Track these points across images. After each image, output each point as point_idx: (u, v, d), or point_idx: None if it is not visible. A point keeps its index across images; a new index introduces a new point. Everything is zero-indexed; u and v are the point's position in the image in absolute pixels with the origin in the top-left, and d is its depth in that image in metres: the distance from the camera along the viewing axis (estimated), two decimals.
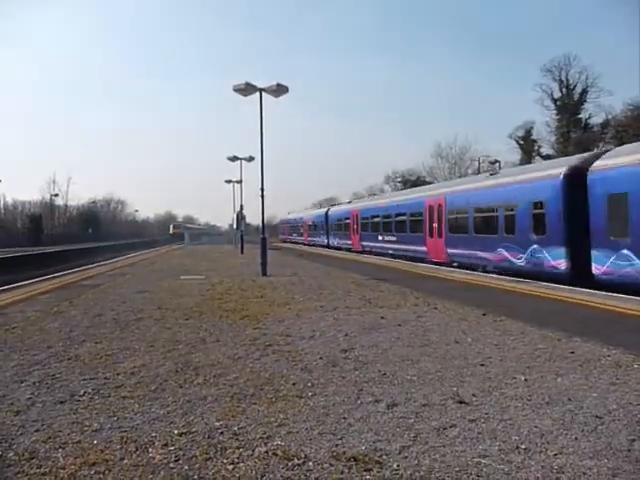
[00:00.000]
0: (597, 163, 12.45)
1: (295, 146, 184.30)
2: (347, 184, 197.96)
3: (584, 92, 49.01)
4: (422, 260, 20.97)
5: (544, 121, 52.02)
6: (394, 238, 25.25)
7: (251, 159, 29.75)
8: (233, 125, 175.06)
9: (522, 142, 53.95)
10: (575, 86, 49.51)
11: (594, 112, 48.66)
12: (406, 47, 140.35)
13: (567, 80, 49.59)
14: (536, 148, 53.96)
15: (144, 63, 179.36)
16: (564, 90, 49.81)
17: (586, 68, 48.64)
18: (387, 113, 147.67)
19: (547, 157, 52.48)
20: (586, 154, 15.97)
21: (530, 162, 53.39)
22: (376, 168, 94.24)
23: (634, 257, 10.83)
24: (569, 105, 49.05)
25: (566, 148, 47.62)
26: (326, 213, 40.22)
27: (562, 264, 13.08)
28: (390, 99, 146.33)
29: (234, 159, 31.21)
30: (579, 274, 12.40)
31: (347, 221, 33.34)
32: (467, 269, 17.02)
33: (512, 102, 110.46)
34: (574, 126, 48.90)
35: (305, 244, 45.64)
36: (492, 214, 16.55)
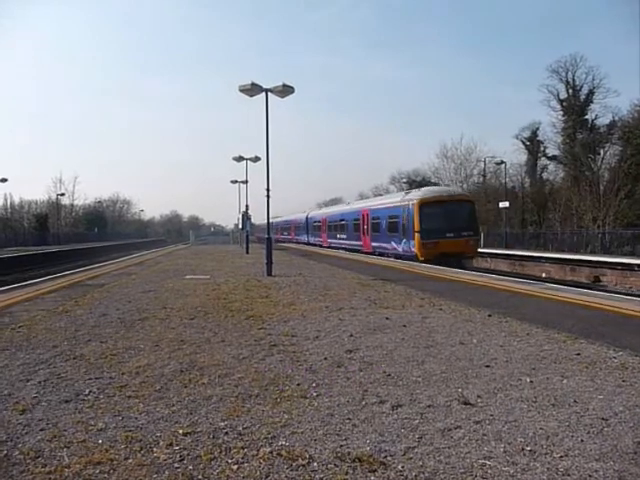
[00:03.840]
0: (310, 214, 49.09)
1: (300, 145, 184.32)
2: (354, 183, 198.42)
3: (590, 93, 48.72)
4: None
5: (550, 122, 51.87)
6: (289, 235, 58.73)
7: (257, 159, 29.76)
8: (239, 124, 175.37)
9: (528, 143, 53.77)
10: (581, 87, 49.26)
11: (600, 113, 48.44)
12: (410, 46, 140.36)
13: (573, 81, 49.34)
14: (542, 149, 53.82)
15: (148, 62, 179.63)
16: (570, 91, 49.54)
17: (592, 69, 48.41)
18: (392, 113, 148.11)
19: (553, 158, 52.47)
20: (309, 210, 54.53)
21: (536, 163, 53.53)
22: (382, 168, 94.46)
23: (315, 237, 44.22)
24: (575, 106, 48.77)
25: (572, 149, 47.45)
26: (270, 222, 69.39)
27: (305, 239, 47.50)
28: (395, 99, 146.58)
29: (240, 159, 31.25)
30: (308, 242, 45.71)
31: (277, 226, 60.17)
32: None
33: (518, 103, 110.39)
34: (580, 127, 48.62)
35: None
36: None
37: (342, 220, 35.71)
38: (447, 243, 22.43)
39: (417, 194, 24.88)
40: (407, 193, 27.19)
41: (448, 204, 23.47)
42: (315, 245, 42.68)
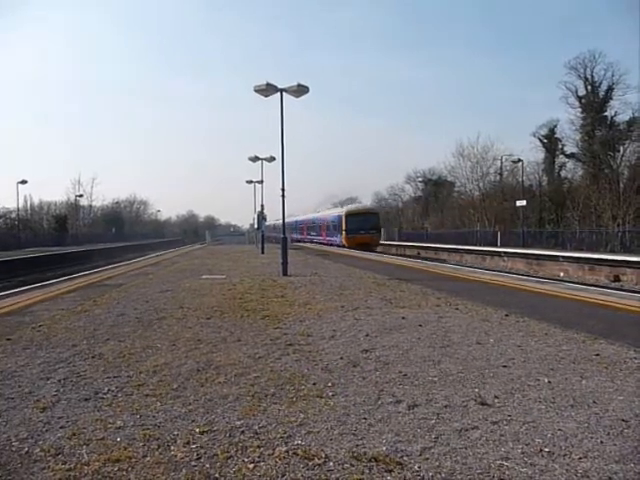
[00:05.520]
0: (298, 218, 63.28)
1: (317, 145, 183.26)
2: (370, 182, 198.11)
3: (610, 89, 47.87)
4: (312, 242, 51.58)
5: (568, 119, 51.13)
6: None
7: (272, 159, 29.84)
8: (256, 125, 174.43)
9: (545, 141, 53.12)
10: (600, 83, 48.42)
11: (620, 109, 47.55)
12: (425, 46, 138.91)
13: (592, 77, 48.57)
14: (560, 147, 53.10)
15: (170, 63, 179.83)
16: (589, 87, 48.76)
17: (612, 65, 47.63)
18: (408, 112, 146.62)
19: (571, 155, 51.77)
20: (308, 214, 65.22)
21: (554, 161, 52.91)
22: (398, 167, 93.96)
23: (300, 235, 58.48)
24: (594, 103, 48.01)
25: (591, 146, 46.76)
26: (272, 224, 70.73)
27: (295, 237, 55.03)
28: (410, 98, 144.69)
29: (255, 159, 31.35)
30: (297, 240, 54.19)
31: (276, 228, 61.46)
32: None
33: (534, 101, 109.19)
34: (599, 124, 47.86)
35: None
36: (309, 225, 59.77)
37: (314, 223, 55.09)
38: (361, 237, 40.08)
39: (346, 208, 45.72)
40: (342, 207, 48.69)
41: (362, 214, 42.59)
42: (299, 241, 55.80)
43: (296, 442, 3.45)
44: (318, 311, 8.79)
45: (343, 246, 40.04)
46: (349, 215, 42.15)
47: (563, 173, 53.74)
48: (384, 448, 3.34)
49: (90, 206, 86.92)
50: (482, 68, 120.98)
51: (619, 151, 45.73)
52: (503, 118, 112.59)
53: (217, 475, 3.02)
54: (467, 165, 57.27)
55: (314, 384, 4.71)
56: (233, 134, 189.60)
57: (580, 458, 3.16)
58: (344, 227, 41.46)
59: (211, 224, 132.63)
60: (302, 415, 3.94)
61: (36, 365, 5.49)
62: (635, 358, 5.46)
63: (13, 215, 60.28)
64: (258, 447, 3.38)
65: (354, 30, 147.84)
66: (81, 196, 78.19)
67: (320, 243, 48.17)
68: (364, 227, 40.64)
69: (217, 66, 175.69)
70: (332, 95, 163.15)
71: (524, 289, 11.65)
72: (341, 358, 5.63)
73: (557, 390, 4.46)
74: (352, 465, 3.11)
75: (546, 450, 3.27)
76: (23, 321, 8.16)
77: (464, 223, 54.75)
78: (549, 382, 4.68)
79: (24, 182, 52.85)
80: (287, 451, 3.31)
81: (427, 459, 3.18)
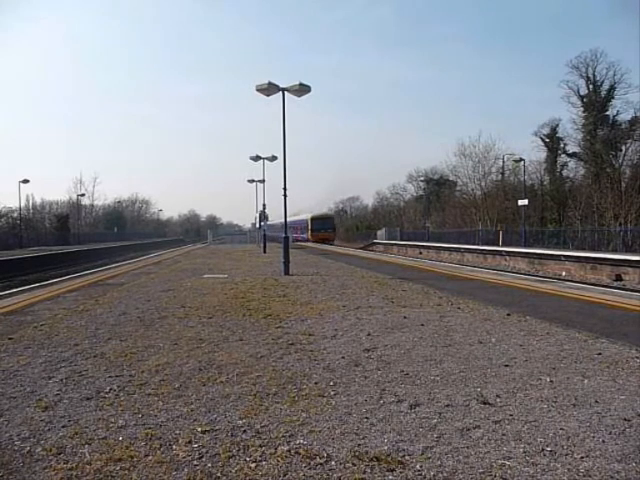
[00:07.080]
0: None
1: (319, 145, 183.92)
2: (372, 182, 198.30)
3: (612, 88, 47.77)
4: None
5: (570, 118, 51.03)
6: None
7: (274, 158, 29.86)
8: (257, 125, 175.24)
9: (547, 140, 52.99)
10: (602, 82, 48.32)
11: (622, 109, 47.47)
12: (425, 45, 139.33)
13: (594, 76, 48.46)
14: (562, 146, 52.99)
15: (170, 64, 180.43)
16: (591, 87, 48.67)
17: (614, 64, 47.51)
18: (408, 112, 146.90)
19: (573, 155, 51.68)
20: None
21: (556, 160, 52.78)
22: (399, 166, 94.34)
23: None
24: (596, 102, 47.89)
25: (593, 146, 46.65)
26: (270, 224, 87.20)
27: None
28: (411, 98, 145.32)
29: (257, 159, 31.37)
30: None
31: (269, 228, 73.92)
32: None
33: (536, 100, 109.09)
34: (601, 123, 47.76)
35: None
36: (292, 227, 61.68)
37: (295, 225, 63.20)
38: (321, 234, 55.78)
39: (311, 214, 61.63)
40: (309, 214, 62.57)
41: (322, 218, 60.36)
42: None
43: (298, 441, 3.45)
44: (320, 310, 8.79)
45: (309, 240, 55.79)
46: (313, 219, 59.54)
47: (565, 172, 53.65)
48: (386, 447, 3.34)
49: (92, 205, 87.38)
50: (483, 68, 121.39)
51: (621, 150, 45.62)
52: (505, 117, 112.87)
53: (219, 474, 3.02)
54: (469, 164, 57.21)
55: (316, 383, 4.71)
56: (235, 133, 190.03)
57: (582, 457, 3.16)
58: (310, 227, 58.68)
59: (213, 223, 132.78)
60: (304, 414, 3.94)
61: (38, 364, 5.50)
62: (637, 357, 5.45)
63: (15, 214, 60.34)
64: (260, 446, 3.38)
65: (354, 29, 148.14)
66: (83, 195, 78.46)
67: (295, 240, 60.35)
68: (324, 227, 58.12)
69: (218, 67, 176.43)
70: (333, 96, 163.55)
71: (526, 288, 11.63)
72: (343, 357, 5.63)
73: (559, 389, 4.45)
74: (354, 464, 3.11)
75: (548, 449, 3.27)
76: (25, 320, 8.17)
77: (466, 222, 54.65)
78: (551, 381, 4.67)
79: (26, 181, 52.81)
80: (289, 450, 3.31)
81: (429, 458, 3.18)
